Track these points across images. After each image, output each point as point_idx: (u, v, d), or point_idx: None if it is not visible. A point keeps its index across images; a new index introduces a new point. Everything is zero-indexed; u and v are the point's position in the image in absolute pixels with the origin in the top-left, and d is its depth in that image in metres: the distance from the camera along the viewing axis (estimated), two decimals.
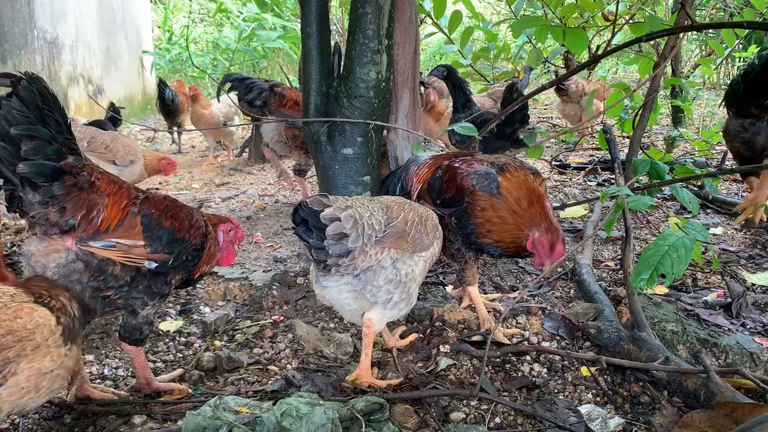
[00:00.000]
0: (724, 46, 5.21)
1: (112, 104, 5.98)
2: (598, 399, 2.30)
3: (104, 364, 2.61)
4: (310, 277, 2.48)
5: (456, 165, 2.70)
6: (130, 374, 2.53)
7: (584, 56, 6.86)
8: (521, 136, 3.88)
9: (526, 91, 5.30)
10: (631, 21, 3.95)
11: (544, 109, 9.69)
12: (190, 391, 2.37)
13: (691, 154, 6.14)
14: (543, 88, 3.23)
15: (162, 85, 7.04)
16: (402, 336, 2.79)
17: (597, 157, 6.22)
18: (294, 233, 2.23)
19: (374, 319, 2.36)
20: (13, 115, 1.89)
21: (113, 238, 2.09)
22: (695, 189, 4.68)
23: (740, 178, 5.18)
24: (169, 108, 7.13)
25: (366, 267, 2.24)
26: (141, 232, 2.13)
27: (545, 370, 2.49)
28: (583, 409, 2.20)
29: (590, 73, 8.57)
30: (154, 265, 2.16)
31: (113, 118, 5.53)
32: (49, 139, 1.96)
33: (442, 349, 2.65)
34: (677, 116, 7.10)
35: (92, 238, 2.07)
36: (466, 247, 2.72)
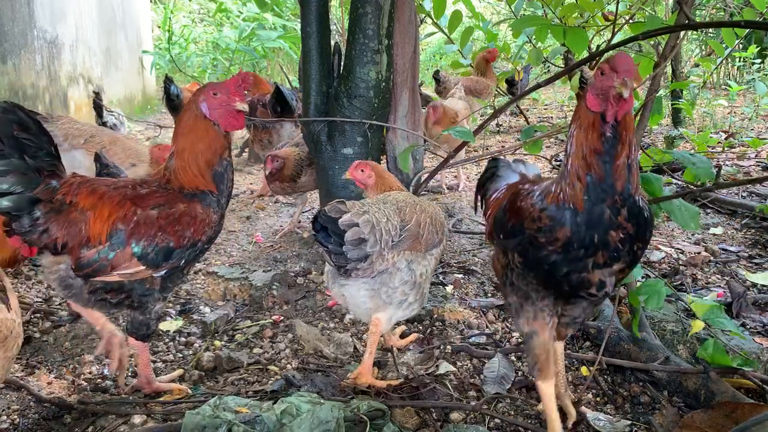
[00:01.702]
0: (724, 46, 5.21)
1: (96, 93, 6.09)
2: (598, 399, 2.30)
3: (104, 364, 2.61)
4: (324, 277, 2.49)
5: (521, 186, 2.01)
6: (130, 374, 2.53)
7: (584, 56, 6.85)
8: None
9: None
10: (631, 21, 3.95)
11: (544, 109, 9.69)
12: (190, 391, 2.37)
13: (690, 155, 6.13)
14: (538, 86, 3.22)
15: (168, 81, 7.30)
16: (402, 336, 2.79)
17: None
18: (314, 239, 2.25)
19: (382, 319, 2.37)
20: None
21: (115, 272, 2.09)
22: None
23: (740, 178, 5.18)
24: (173, 102, 7.42)
25: (383, 269, 2.26)
26: (138, 261, 2.10)
27: None
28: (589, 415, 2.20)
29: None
30: (164, 271, 2.16)
31: (97, 105, 5.66)
32: (24, 170, 1.98)
33: (443, 349, 2.65)
34: (677, 116, 7.10)
35: (85, 262, 2.07)
36: (543, 288, 1.85)
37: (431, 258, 2.42)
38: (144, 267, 2.11)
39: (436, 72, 7.13)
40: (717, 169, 3.04)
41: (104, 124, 6.28)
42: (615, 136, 1.64)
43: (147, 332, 2.29)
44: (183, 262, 2.19)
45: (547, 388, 1.91)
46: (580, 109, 1.72)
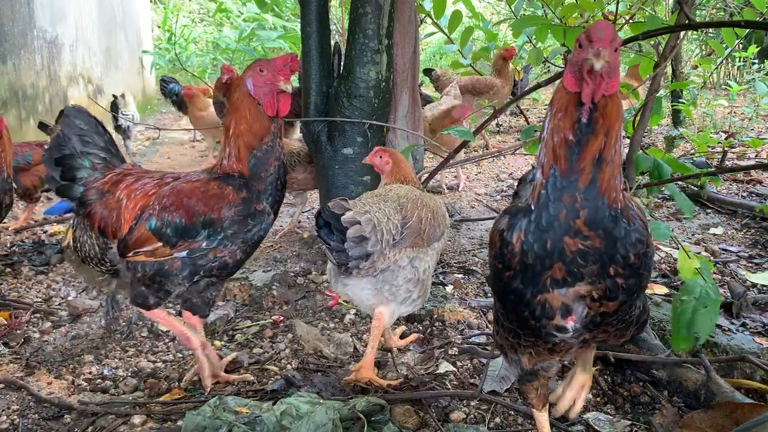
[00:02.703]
0: (724, 46, 5.21)
1: (114, 97, 6.29)
2: (598, 399, 2.30)
3: (104, 364, 2.61)
4: (327, 276, 2.50)
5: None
6: (129, 374, 2.53)
7: None
8: None
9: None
10: (631, 21, 3.95)
11: (544, 109, 9.69)
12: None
13: (691, 154, 6.14)
14: (538, 86, 3.23)
15: (164, 82, 7.45)
16: (402, 336, 2.79)
17: None
18: (317, 236, 2.26)
19: (385, 313, 2.38)
20: (57, 144, 2.25)
21: (136, 249, 2.18)
22: (696, 189, 4.69)
23: (740, 178, 5.19)
24: (174, 99, 7.63)
25: (385, 268, 2.27)
26: (153, 236, 2.17)
27: None
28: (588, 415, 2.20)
29: None
30: (184, 253, 2.18)
31: (114, 107, 5.85)
32: (78, 166, 2.26)
33: (447, 349, 2.64)
34: (677, 116, 7.10)
35: (121, 245, 2.22)
36: (521, 327, 1.62)
37: (433, 252, 2.42)
38: (160, 243, 2.15)
39: (429, 70, 7.09)
40: (722, 156, 3.07)
41: (119, 126, 6.36)
42: (589, 124, 1.37)
43: (203, 311, 2.39)
44: (204, 244, 2.17)
45: (540, 416, 1.85)
46: (557, 90, 1.46)
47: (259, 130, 2.17)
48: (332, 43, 3.55)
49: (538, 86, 3.24)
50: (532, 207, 1.43)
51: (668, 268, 3.47)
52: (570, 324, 1.48)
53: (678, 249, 2.29)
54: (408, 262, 2.30)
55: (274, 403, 2.06)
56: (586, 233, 1.38)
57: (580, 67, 1.36)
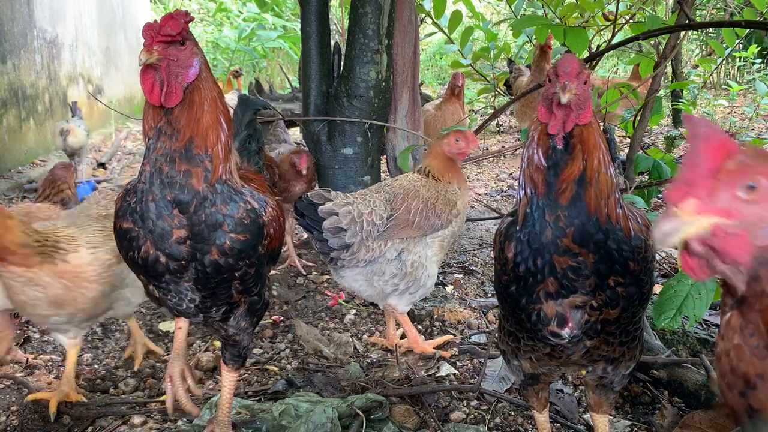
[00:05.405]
0: (724, 46, 5.21)
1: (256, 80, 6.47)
2: None
3: (104, 364, 2.61)
4: (328, 268, 2.56)
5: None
6: (129, 374, 2.53)
7: (584, 56, 6.82)
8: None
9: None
10: (631, 21, 3.95)
11: None
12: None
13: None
14: (539, 86, 3.23)
15: None
16: (402, 337, 2.79)
17: None
18: (299, 224, 2.29)
19: (396, 305, 2.48)
20: None
21: None
22: None
23: None
24: None
25: (370, 259, 2.28)
26: None
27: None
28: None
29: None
30: None
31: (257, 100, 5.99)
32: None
33: (446, 349, 2.64)
34: (677, 116, 7.10)
35: None
36: (519, 330, 1.60)
37: (433, 241, 2.43)
38: None
39: (511, 61, 6.83)
40: None
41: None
42: (566, 149, 1.42)
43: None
44: None
45: (540, 417, 1.85)
46: (532, 120, 1.54)
47: (146, 120, 1.57)
48: (332, 43, 3.55)
49: (538, 86, 3.24)
50: (518, 227, 1.45)
51: (669, 268, 3.46)
52: (566, 331, 1.48)
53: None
54: (396, 256, 2.32)
55: (273, 404, 2.06)
56: (576, 251, 1.39)
57: (550, 100, 1.43)
